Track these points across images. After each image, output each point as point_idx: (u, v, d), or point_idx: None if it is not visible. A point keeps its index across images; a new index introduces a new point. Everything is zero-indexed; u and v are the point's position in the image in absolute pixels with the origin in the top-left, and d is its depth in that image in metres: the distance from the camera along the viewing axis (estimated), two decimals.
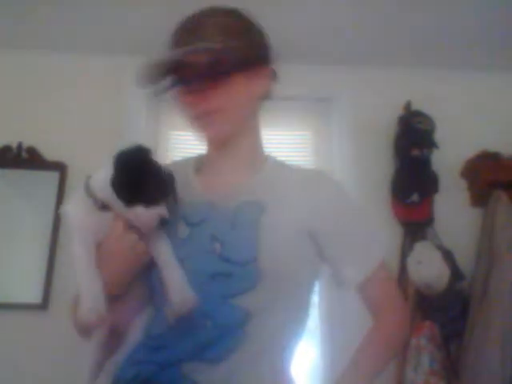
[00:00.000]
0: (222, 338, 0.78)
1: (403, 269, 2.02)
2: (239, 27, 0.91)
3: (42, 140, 2.13)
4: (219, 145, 0.95)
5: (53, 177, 2.12)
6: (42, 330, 1.93)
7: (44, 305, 1.97)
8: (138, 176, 0.78)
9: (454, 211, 2.15)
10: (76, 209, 0.83)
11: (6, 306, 1.97)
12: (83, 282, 0.77)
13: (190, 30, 0.88)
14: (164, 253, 0.83)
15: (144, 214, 0.78)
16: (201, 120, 0.90)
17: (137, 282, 0.86)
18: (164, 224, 0.79)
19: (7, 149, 2.14)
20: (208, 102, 0.87)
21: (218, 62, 0.85)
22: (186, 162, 1.02)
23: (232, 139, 0.94)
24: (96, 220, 0.81)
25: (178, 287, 0.79)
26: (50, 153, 2.13)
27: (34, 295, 1.98)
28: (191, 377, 0.76)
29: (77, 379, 0.88)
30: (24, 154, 2.14)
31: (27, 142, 2.14)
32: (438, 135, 2.18)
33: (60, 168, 2.12)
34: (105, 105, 2.24)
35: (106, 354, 0.86)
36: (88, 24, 2.11)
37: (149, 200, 0.78)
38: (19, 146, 2.14)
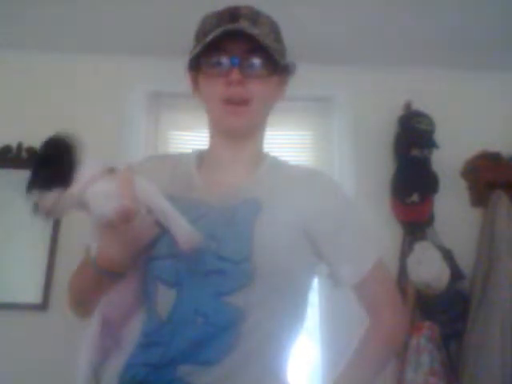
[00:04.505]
0: (216, 338, 0.77)
1: (403, 269, 2.02)
2: (281, 34, 0.95)
3: (42, 140, 2.11)
4: (234, 136, 0.95)
5: None
6: (42, 330, 1.93)
7: (44, 305, 1.97)
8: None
9: (454, 211, 2.15)
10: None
11: (6, 306, 1.97)
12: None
13: (246, 15, 0.89)
14: (161, 203, 0.84)
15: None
16: (231, 106, 0.89)
17: (132, 277, 0.85)
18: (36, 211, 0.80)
19: (7, 149, 2.14)
20: (247, 90, 0.89)
21: (272, 56, 0.89)
22: (187, 156, 1.01)
23: (245, 135, 0.95)
24: None
25: (183, 225, 0.81)
26: None
27: (33, 295, 1.98)
28: (186, 379, 0.75)
29: (77, 379, 0.88)
30: (24, 154, 2.14)
31: (27, 142, 2.14)
32: (438, 135, 2.19)
33: None
34: (105, 105, 2.24)
35: (99, 354, 0.84)
36: (88, 24, 2.11)
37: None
38: (19, 146, 2.14)
